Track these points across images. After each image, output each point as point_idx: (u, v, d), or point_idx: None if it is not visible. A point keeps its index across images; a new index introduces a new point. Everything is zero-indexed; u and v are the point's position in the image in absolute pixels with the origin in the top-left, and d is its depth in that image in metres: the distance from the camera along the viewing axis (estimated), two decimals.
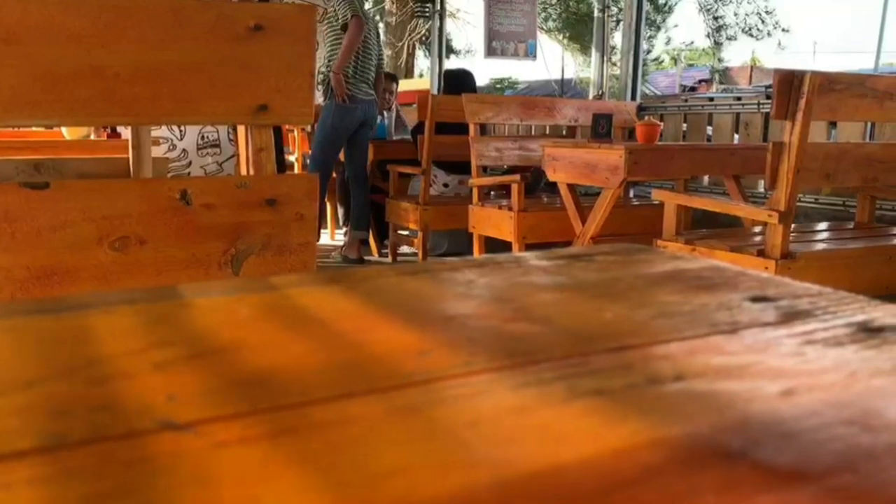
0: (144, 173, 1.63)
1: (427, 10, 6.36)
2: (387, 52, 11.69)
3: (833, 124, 3.40)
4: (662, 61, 18.74)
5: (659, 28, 16.21)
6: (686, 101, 4.43)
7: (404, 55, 11.70)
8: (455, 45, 15.86)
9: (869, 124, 3.34)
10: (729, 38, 15.44)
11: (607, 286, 0.45)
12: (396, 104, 5.03)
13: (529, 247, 3.19)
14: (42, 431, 0.24)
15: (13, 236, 0.89)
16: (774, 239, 2.12)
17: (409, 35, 11.43)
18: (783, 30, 15.42)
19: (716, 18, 15.26)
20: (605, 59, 5.17)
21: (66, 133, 2.59)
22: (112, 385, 0.28)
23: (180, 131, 5.21)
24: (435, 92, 5.75)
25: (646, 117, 3.40)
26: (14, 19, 0.87)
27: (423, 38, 11.46)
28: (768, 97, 3.57)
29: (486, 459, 0.22)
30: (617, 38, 6.38)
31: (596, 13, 5.26)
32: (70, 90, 0.91)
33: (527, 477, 0.21)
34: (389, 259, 4.18)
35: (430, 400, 0.27)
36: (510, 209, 3.18)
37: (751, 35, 15.40)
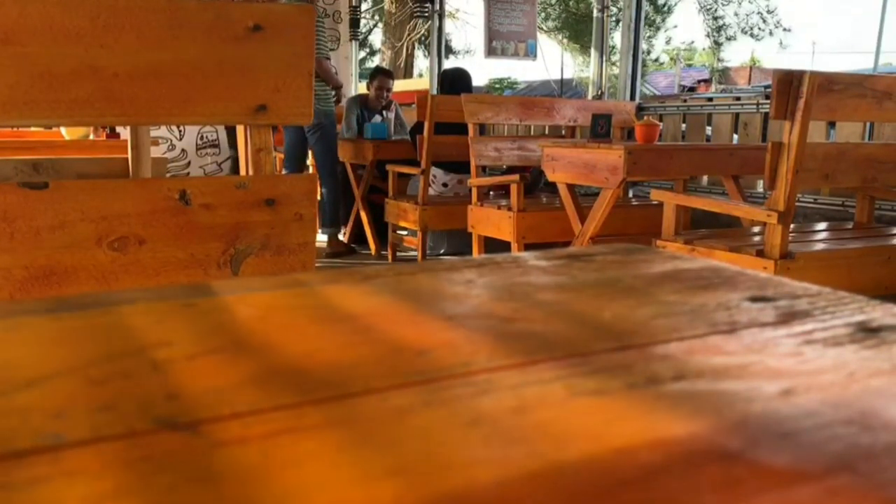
0: (143, 173, 1.63)
1: (426, 10, 6.36)
2: (386, 52, 11.70)
3: (832, 124, 3.40)
4: (662, 63, 18.75)
5: (658, 28, 16.22)
6: (685, 101, 4.43)
7: (403, 55, 11.71)
8: (454, 44, 15.88)
9: (868, 124, 3.34)
10: (729, 39, 15.45)
11: (606, 286, 0.45)
12: (396, 104, 5.03)
13: (528, 247, 3.19)
14: (42, 431, 0.24)
15: (12, 236, 0.89)
16: (773, 239, 2.12)
17: (409, 35, 11.43)
18: (784, 29, 15.42)
19: (715, 18, 15.27)
20: (604, 59, 5.17)
21: (65, 133, 2.59)
22: (112, 385, 0.28)
23: (179, 131, 5.22)
24: (434, 92, 5.75)
25: (645, 117, 3.40)
26: (12, 19, 0.87)
27: (422, 38, 11.46)
28: (767, 97, 3.57)
29: (486, 459, 0.22)
30: (616, 38, 6.38)
31: (595, 13, 5.25)
32: (69, 90, 0.91)
33: (527, 477, 0.21)
34: (388, 259, 4.19)
35: (430, 400, 0.27)
36: (509, 209, 3.18)
37: (751, 35, 15.41)
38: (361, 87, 6.08)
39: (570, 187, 2.98)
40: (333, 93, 4.26)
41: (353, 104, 4.83)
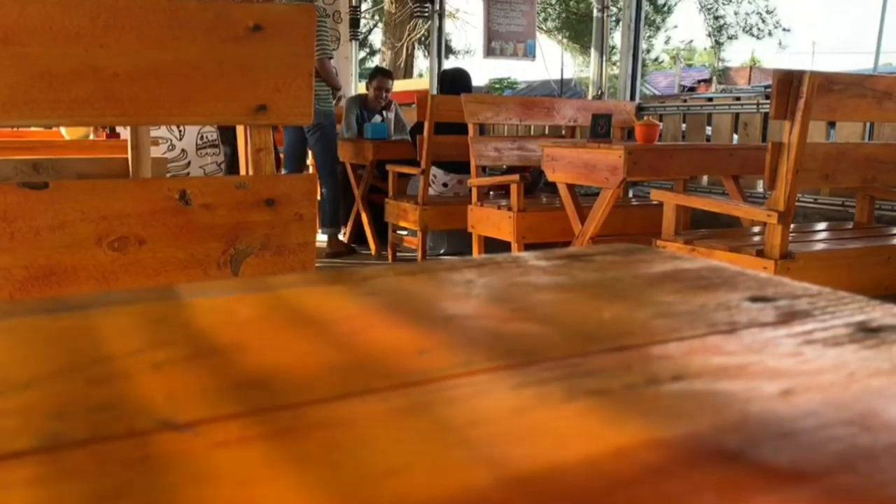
0: (143, 173, 1.63)
1: (426, 10, 6.36)
2: (386, 52, 11.70)
3: (832, 124, 3.40)
4: (662, 61, 18.76)
5: (658, 28, 16.22)
6: (685, 101, 4.43)
7: (403, 55, 11.71)
8: (454, 45, 15.89)
9: (868, 124, 3.34)
10: (730, 38, 15.44)
11: (606, 286, 0.45)
12: (396, 105, 5.04)
13: (528, 247, 3.19)
14: (41, 431, 0.24)
15: (12, 236, 0.89)
16: (773, 239, 2.12)
17: (409, 35, 11.44)
18: (784, 29, 15.43)
19: (716, 18, 15.26)
20: (604, 58, 5.17)
21: (65, 133, 2.59)
22: (111, 385, 0.28)
23: (179, 131, 5.22)
24: (434, 92, 5.75)
25: (645, 117, 3.40)
26: (12, 19, 0.87)
27: (422, 39, 11.47)
28: (767, 97, 3.57)
29: (486, 459, 0.22)
30: (616, 38, 6.38)
31: (595, 13, 5.25)
32: (69, 90, 0.91)
33: (526, 477, 0.21)
34: (388, 259, 4.19)
35: (430, 400, 0.27)
36: (509, 209, 3.18)
37: (751, 34, 15.41)
38: (361, 88, 6.09)
39: (570, 187, 2.98)
40: (333, 92, 4.27)
41: (353, 104, 4.83)
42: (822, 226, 2.86)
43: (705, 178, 3.98)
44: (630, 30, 4.43)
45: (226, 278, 0.98)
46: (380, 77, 4.85)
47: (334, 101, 4.34)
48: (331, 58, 4.30)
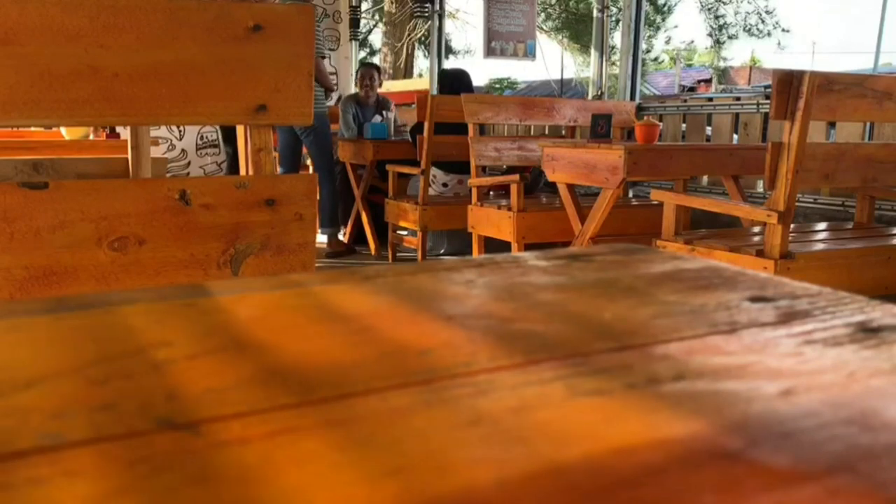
0: (143, 173, 1.63)
1: (426, 10, 6.36)
2: (386, 52, 11.70)
3: (832, 124, 3.40)
4: (662, 61, 18.76)
5: (658, 28, 16.22)
6: (685, 101, 4.43)
7: (403, 55, 11.71)
8: (454, 44, 15.89)
9: (868, 124, 3.34)
10: (730, 38, 15.44)
11: (606, 286, 0.45)
12: (395, 107, 5.03)
13: (528, 247, 3.19)
14: (42, 431, 0.24)
15: (12, 236, 0.89)
16: (773, 239, 2.12)
17: (409, 35, 11.44)
18: (784, 29, 15.42)
19: (717, 17, 15.26)
20: (604, 59, 5.17)
21: (65, 133, 2.59)
22: (112, 385, 0.28)
23: (179, 131, 5.23)
24: (434, 92, 5.75)
25: (645, 117, 3.40)
26: (12, 19, 0.87)
27: (422, 39, 11.47)
28: (767, 97, 3.57)
29: (487, 459, 0.22)
30: (616, 38, 6.38)
31: (595, 13, 5.25)
32: (69, 90, 0.91)
33: (527, 477, 0.21)
34: (388, 259, 4.19)
35: (430, 400, 0.27)
36: (509, 209, 3.19)
37: (751, 34, 15.42)
38: None
39: (570, 187, 2.98)
40: (325, 92, 4.26)
41: (348, 103, 4.83)
42: (822, 226, 2.86)
43: (705, 178, 3.99)
44: (630, 30, 4.43)
45: (226, 278, 0.98)
46: (362, 70, 4.87)
47: (329, 101, 4.33)
48: (324, 57, 4.30)
